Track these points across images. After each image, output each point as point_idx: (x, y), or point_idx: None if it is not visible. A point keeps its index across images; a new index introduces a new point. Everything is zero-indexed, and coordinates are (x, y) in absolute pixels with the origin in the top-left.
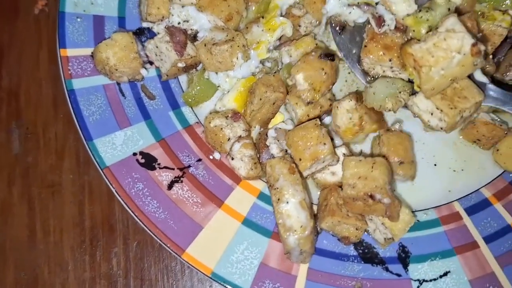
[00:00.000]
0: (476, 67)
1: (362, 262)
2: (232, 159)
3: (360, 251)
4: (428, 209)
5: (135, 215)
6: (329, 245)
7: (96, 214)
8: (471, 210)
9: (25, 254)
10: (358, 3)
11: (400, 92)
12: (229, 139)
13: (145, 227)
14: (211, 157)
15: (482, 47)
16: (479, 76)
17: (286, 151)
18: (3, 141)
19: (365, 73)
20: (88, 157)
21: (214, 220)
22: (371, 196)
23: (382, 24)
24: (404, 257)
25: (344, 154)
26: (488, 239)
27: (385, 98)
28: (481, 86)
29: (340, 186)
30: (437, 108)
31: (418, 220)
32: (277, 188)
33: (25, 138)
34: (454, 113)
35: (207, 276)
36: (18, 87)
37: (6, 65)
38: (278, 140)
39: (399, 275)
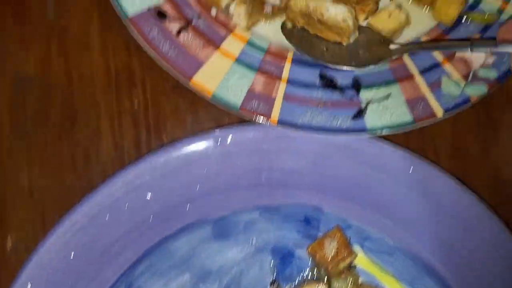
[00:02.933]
0: None
1: (325, 89)
2: (232, 18)
3: (324, 82)
4: None
5: (153, 53)
6: (299, 76)
7: (118, 65)
8: (411, 53)
9: (66, 94)
10: None
11: None
12: None
13: (161, 62)
14: (209, 13)
15: None
16: None
17: None
18: (40, 9)
19: None
20: (110, 23)
21: (212, 59)
22: None
23: None
24: (357, 86)
25: None
26: (422, 72)
27: None
28: None
29: None
30: None
31: None
32: None
33: (57, 4)
34: None
35: (208, 97)
36: None
37: None
38: None
39: (352, 98)
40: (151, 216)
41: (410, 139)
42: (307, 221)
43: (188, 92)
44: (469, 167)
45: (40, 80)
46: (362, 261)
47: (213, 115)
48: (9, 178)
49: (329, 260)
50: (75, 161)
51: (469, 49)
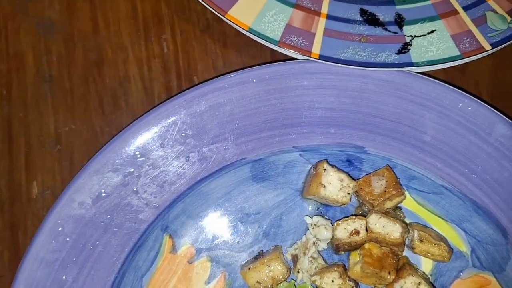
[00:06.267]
0: None
1: (367, 24)
2: None
3: (365, 18)
4: None
5: None
6: (339, 12)
7: (146, 9)
8: None
9: (90, 40)
10: None
11: None
12: None
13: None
14: None
15: None
16: None
17: None
18: None
19: None
20: None
21: None
22: None
23: None
24: (399, 21)
25: None
26: (465, 8)
27: None
28: None
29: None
30: None
31: None
32: None
33: None
34: None
35: (245, 30)
36: None
37: None
38: None
39: (395, 33)
40: (189, 157)
41: (451, 80)
42: (349, 162)
43: (219, 35)
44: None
45: (64, 24)
46: (407, 202)
47: (245, 58)
48: (34, 124)
49: (375, 197)
50: (103, 106)
51: None
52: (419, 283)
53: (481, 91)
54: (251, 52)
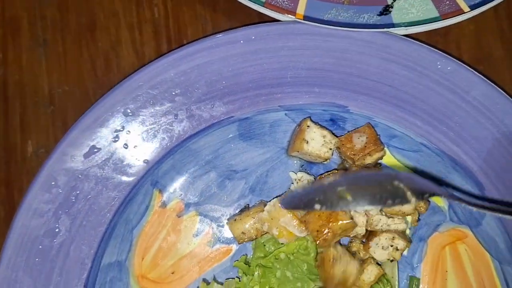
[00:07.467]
0: None
1: None
2: None
3: None
4: None
5: None
6: None
7: None
8: None
9: (83, 5)
10: None
11: None
12: None
13: None
14: None
15: None
16: None
17: None
18: None
19: None
20: None
21: None
22: None
23: None
24: None
25: None
26: None
27: None
28: None
29: None
30: None
31: None
32: None
33: None
34: None
35: None
36: None
37: None
38: None
39: None
40: (177, 114)
41: (433, 44)
42: (333, 121)
43: (209, 1)
44: (493, 69)
45: None
46: (388, 159)
47: (233, 23)
48: (29, 86)
49: (356, 152)
50: (96, 68)
51: None
52: (393, 238)
53: (462, 55)
54: (240, 17)
